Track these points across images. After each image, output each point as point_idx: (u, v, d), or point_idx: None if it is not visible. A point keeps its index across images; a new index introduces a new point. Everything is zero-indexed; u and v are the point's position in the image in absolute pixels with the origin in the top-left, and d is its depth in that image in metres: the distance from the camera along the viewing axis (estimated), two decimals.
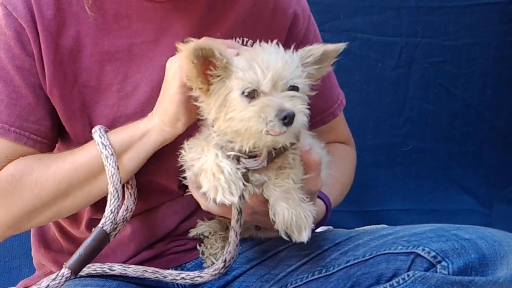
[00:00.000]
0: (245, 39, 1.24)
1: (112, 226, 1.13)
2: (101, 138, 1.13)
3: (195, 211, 1.30)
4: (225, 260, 1.13)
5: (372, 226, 2.07)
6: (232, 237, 1.11)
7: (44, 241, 1.36)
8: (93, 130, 1.16)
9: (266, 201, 1.06)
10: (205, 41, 0.99)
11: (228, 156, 1.03)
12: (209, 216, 1.30)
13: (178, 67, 1.05)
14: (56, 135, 1.23)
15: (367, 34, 2.16)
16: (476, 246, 1.09)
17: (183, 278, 1.18)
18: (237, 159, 1.04)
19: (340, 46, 1.08)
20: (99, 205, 1.27)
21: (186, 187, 1.16)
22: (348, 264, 1.18)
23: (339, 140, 1.48)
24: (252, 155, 1.04)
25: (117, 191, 1.12)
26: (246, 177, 1.05)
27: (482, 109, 2.23)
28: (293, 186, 1.04)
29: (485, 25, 2.18)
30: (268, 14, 1.27)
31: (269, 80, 0.97)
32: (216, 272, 1.15)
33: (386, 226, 2.03)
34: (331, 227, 2.13)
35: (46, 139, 1.19)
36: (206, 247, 1.26)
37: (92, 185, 1.15)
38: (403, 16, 2.16)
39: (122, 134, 1.15)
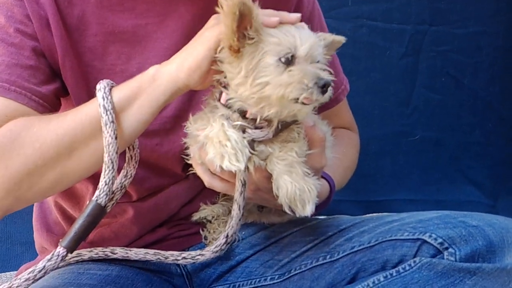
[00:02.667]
0: None
1: (107, 198, 1.07)
2: (103, 99, 1.04)
3: (198, 195, 1.30)
4: (227, 236, 1.11)
5: (376, 214, 2.06)
6: (235, 210, 1.09)
7: (47, 225, 1.36)
8: (97, 87, 1.07)
9: (269, 177, 1.05)
10: None
11: (234, 127, 1.02)
12: (212, 200, 1.29)
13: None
14: (58, 102, 1.20)
15: (375, 21, 2.13)
16: (483, 233, 1.08)
17: (184, 257, 1.16)
18: (243, 130, 1.03)
19: (343, 39, 1.09)
20: None
21: (189, 166, 1.16)
22: (353, 250, 1.16)
23: (342, 125, 1.48)
24: (258, 126, 1.04)
25: (112, 162, 1.05)
26: (251, 148, 1.04)
27: (490, 99, 2.21)
28: (296, 160, 1.03)
29: (494, 14, 2.15)
30: None
31: (306, 48, 0.98)
32: (218, 248, 1.13)
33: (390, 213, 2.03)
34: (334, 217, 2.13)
35: (47, 103, 1.14)
36: (209, 232, 1.25)
37: (98, 142, 1.06)
38: (411, 3, 2.13)
39: (130, 84, 1.08)
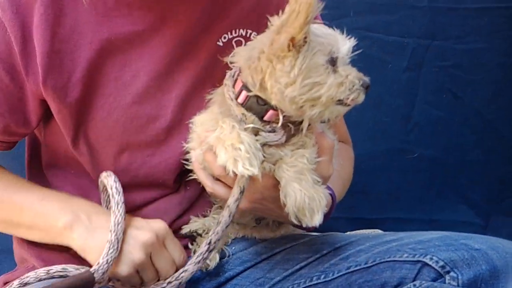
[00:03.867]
0: (249, 31, 1.21)
1: (102, 276, 1.05)
2: (115, 182, 1.11)
3: (189, 209, 1.25)
4: (210, 242, 1.03)
5: (365, 231, 2.01)
6: (225, 216, 1.02)
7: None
8: (105, 174, 1.14)
9: (277, 184, 1.01)
10: None
11: (246, 129, 0.99)
12: (203, 213, 1.24)
13: None
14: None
15: (377, 34, 2.08)
16: (487, 257, 1.04)
17: (169, 282, 1.09)
18: (256, 133, 1.00)
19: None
20: (90, 200, 1.22)
21: (182, 177, 1.11)
22: (349, 270, 1.12)
23: (338, 139, 1.42)
24: (271, 130, 1.01)
25: (118, 242, 1.05)
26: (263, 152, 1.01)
27: (491, 117, 2.16)
28: (307, 167, 1.00)
29: (497, 30, 2.10)
30: (275, 5, 1.22)
31: (346, 49, 1.00)
32: (200, 258, 1.05)
33: (380, 231, 1.98)
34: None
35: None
36: (198, 246, 1.20)
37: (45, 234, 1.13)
38: (415, 16, 2.08)
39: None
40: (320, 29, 1.01)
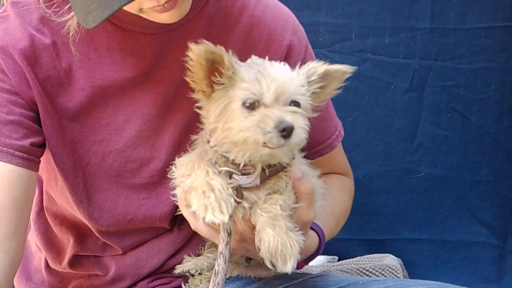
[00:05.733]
0: None
1: None
2: None
3: (182, 248, 1.25)
4: None
5: (377, 255, 1.99)
6: (221, 265, 1.02)
7: (26, 272, 1.33)
8: None
9: (254, 228, 1.01)
10: (217, 47, 0.98)
11: (220, 172, 0.99)
12: (197, 252, 1.24)
13: None
14: (43, 151, 1.16)
15: (379, 56, 2.07)
16: None
17: None
18: (230, 175, 1.00)
19: (344, 68, 1.05)
20: (84, 242, 1.25)
21: (177, 219, 1.11)
22: None
23: (336, 171, 1.42)
24: (245, 173, 1.00)
25: None
26: (239, 195, 1.00)
27: (498, 137, 2.13)
28: (281, 213, 0.99)
29: (502, 49, 2.07)
30: (263, 45, 1.24)
31: (272, 92, 0.96)
32: None
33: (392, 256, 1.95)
34: (335, 257, 2.06)
35: (32, 155, 1.11)
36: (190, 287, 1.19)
37: None
38: (416, 38, 2.07)
39: None
40: (255, 71, 0.99)
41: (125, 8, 1.07)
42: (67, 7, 1.12)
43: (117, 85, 1.16)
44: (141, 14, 1.08)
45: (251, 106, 0.96)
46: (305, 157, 1.23)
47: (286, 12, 1.30)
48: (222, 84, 0.98)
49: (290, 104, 0.97)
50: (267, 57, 1.03)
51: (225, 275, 1.03)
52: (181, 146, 1.18)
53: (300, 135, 0.94)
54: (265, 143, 0.93)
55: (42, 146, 1.14)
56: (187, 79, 1.00)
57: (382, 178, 2.13)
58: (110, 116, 1.17)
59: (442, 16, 2.06)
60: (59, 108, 1.15)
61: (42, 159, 1.16)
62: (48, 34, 1.13)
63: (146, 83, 1.17)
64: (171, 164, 1.06)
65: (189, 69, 0.99)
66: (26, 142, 1.09)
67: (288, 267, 0.97)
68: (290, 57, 1.25)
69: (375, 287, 1.10)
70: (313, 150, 1.31)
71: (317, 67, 1.03)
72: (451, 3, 2.05)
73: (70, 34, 1.11)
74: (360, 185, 2.08)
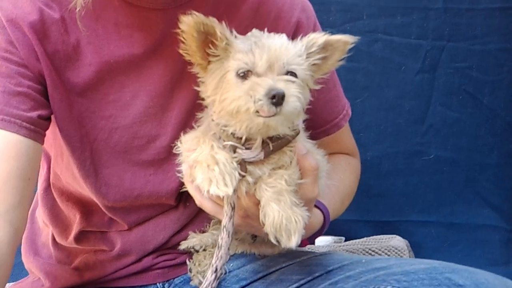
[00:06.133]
0: None
1: None
2: None
3: (188, 224, 1.26)
4: (216, 269, 1.03)
5: (384, 236, 1.98)
6: (224, 238, 1.02)
7: (34, 247, 1.34)
8: None
9: (258, 203, 1.01)
10: (209, 18, 0.97)
11: (225, 147, 0.99)
12: (202, 229, 1.24)
13: None
14: (49, 124, 1.17)
15: (391, 36, 2.05)
16: None
17: None
18: (234, 150, 1.00)
19: (345, 38, 1.03)
20: (90, 217, 1.25)
21: (183, 196, 1.11)
22: None
23: (342, 151, 1.41)
24: (249, 147, 1.00)
25: None
26: (243, 169, 1.00)
27: (510, 119, 2.10)
28: (286, 188, 0.98)
29: None
30: (271, 22, 1.22)
31: (264, 61, 0.95)
32: (209, 287, 1.05)
33: (400, 238, 1.95)
34: (342, 238, 2.06)
35: (39, 128, 1.11)
36: (194, 264, 1.21)
37: None
38: (429, 18, 2.04)
39: None
40: (250, 41, 0.98)
41: None
42: None
43: (124, 61, 1.16)
44: None
45: (245, 75, 0.95)
46: (312, 136, 1.23)
47: None
48: (217, 56, 0.98)
49: (286, 74, 0.96)
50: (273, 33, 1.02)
51: (228, 249, 1.03)
52: (187, 123, 1.17)
53: (294, 103, 0.93)
54: (257, 112, 0.92)
55: (48, 119, 1.14)
56: (181, 51, 1.00)
57: (391, 159, 2.12)
58: (117, 92, 1.17)
59: None
60: (67, 83, 1.15)
61: (49, 135, 1.17)
62: (56, 9, 1.13)
63: (154, 59, 1.16)
64: (184, 132, 1.07)
65: (182, 41, 0.99)
66: (34, 114, 1.09)
67: (293, 242, 0.97)
68: (298, 34, 1.22)
69: (378, 265, 1.09)
70: (319, 129, 1.31)
71: (317, 38, 1.02)
72: None
73: (77, 10, 1.10)
74: (369, 166, 2.09)
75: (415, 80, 2.08)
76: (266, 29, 1.03)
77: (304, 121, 1.12)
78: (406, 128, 2.10)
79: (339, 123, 1.34)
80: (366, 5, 2.03)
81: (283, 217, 0.96)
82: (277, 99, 0.91)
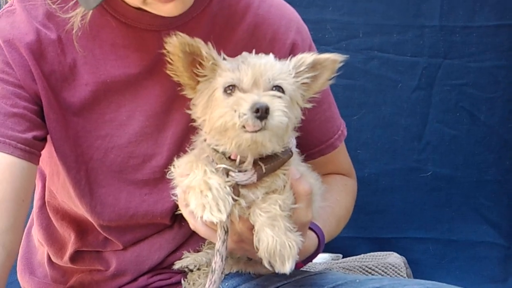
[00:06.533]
0: None
1: None
2: None
3: (182, 245, 1.26)
4: None
5: (381, 253, 1.98)
6: (218, 262, 1.02)
7: (30, 266, 1.34)
8: None
9: (252, 228, 1.01)
10: (194, 39, 0.99)
11: (217, 170, 0.99)
12: (196, 248, 1.24)
13: None
14: (45, 145, 1.17)
15: (387, 53, 2.06)
16: None
17: None
18: (227, 173, 1.00)
19: (334, 56, 1.04)
20: (85, 237, 1.25)
21: (178, 215, 1.11)
22: None
23: (338, 171, 1.41)
24: (242, 170, 1.00)
25: None
26: (236, 192, 1.00)
27: (507, 136, 2.10)
28: (280, 213, 0.99)
29: (511, 47, 2.05)
30: (266, 44, 1.23)
31: (250, 76, 0.96)
32: None
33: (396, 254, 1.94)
34: (340, 255, 2.06)
35: (34, 149, 1.12)
36: (189, 283, 1.21)
37: None
38: (425, 36, 2.05)
39: None
40: (235, 62, 0.99)
41: (129, 0, 1.08)
42: (72, 3, 1.12)
43: (120, 81, 1.16)
44: (144, 7, 1.08)
45: (231, 92, 0.96)
46: (307, 156, 1.24)
47: (290, 11, 1.30)
48: (205, 76, 1.00)
49: (272, 89, 0.97)
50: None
51: (222, 273, 1.03)
52: (183, 143, 1.18)
53: (279, 117, 0.93)
54: (244, 127, 0.92)
55: (43, 140, 1.15)
56: (168, 72, 1.02)
57: (388, 176, 2.12)
58: (113, 111, 1.17)
59: (451, 13, 2.04)
60: (63, 103, 1.15)
61: (45, 153, 1.17)
62: (53, 29, 1.14)
63: (150, 79, 1.17)
64: (174, 160, 1.07)
65: (169, 62, 1.00)
66: (29, 135, 1.10)
67: (287, 267, 0.97)
68: (293, 56, 1.25)
69: (371, 286, 1.09)
70: (314, 149, 1.32)
71: (306, 57, 1.03)
72: (460, 1, 2.03)
73: (74, 31, 1.11)
74: (366, 183, 2.10)
75: (412, 97, 2.09)
76: (261, 51, 1.04)
77: (299, 141, 1.13)
78: (403, 145, 2.11)
79: (334, 143, 1.34)
80: (362, 23, 2.05)
81: (277, 243, 0.96)
82: (261, 112, 0.91)
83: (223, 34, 1.20)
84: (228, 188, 0.98)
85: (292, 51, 1.25)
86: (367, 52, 2.05)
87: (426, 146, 2.12)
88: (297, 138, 1.11)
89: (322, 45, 1.39)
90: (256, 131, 0.93)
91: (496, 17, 2.05)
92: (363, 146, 2.08)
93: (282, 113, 0.93)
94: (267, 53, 1.03)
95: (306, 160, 1.20)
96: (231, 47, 1.19)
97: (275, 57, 1.03)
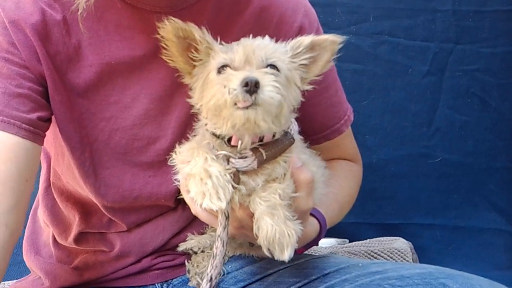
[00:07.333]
0: None
1: None
2: None
3: (187, 226, 1.26)
4: (211, 279, 1.04)
5: (386, 238, 1.98)
6: (219, 248, 1.03)
7: (35, 246, 1.35)
8: None
9: (253, 215, 1.01)
10: (187, 23, 0.99)
11: (218, 157, 0.99)
12: (201, 231, 1.25)
13: None
14: (49, 125, 1.17)
15: (397, 38, 2.04)
16: None
17: None
18: (228, 159, 1.00)
19: (332, 37, 1.02)
20: (90, 218, 1.26)
21: (182, 198, 1.12)
22: None
23: (344, 157, 1.40)
24: (242, 156, 1.00)
25: None
26: (236, 179, 1.00)
27: None
28: (279, 202, 0.98)
29: None
30: (273, 27, 1.22)
31: (241, 54, 0.95)
32: None
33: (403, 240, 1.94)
34: (346, 240, 2.06)
35: (38, 129, 1.12)
36: (193, 265, 1.22)
37: None
38: (436, 20, 2.03)
39: None
40: (231, 45, 0.99)
41: None
42: None
43: (125, 62, 1.16)
44: None
45: (222, 72, 0.95)
46: (312, 141, 1.23)
47: None
48: (201, 60, 0.99)
49: (266, 68, 0.95)
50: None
51: (223, 258, 1.04)
52: (187, 126, 1.18)
53: (270, 92, 0.91)
54: (236, 104, 0.91)
55: (48, 120, 1.15)
56: (163, 57, 1.02)
57: (397, 162, 2.11)
58: (118, 94, 1.17)
59: None
60: (68, 84, 1.16)
61: (50, 134, 1.18)
62: (59, 10, 1.14)
63: (154, 62, 1.17)
64: (179, 143, 1.07)
65: (163, 47, 1.00)
66: (34, 115, 1.10)
67: (285, 255, 0.97)
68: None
69: (374, 269, 1.09)
70: (320, 134, 1.31)
71: (303, 39, 1.02)
72: None
73: (79, 12, 1.11)
74: (374, 169, 2.09)
75: (422, 82, 2.07)
76: (268, 34, 1.03)
77: (304, 126, 1.12)
78: (413, 131, 2.10)
79: (340, 129, 1.33)
80: (372, 7, 2.03)
81: (276, 231, 0.96)
82: (250, 86, 0.90)
83: (230, 17, 1.19)
84: (228, 175, 0.97)
85: (299, 34, 1.23)
86: (377, 36, 2.03)
87: (435, 132, 2.10)
88: (303, 122, 1.10)
89: (331, 29, 1.37)
90: (247, 107, 0.91)
91: (510, 2, 2.02)
92: (371, 132, 2.08)
93: (273, 88, 0.92)
94: (273, 37, 1.02)
95: (311, 145, 1.20)
96: (237, 30, 1.18)
97: (280, 40, 1.02)
